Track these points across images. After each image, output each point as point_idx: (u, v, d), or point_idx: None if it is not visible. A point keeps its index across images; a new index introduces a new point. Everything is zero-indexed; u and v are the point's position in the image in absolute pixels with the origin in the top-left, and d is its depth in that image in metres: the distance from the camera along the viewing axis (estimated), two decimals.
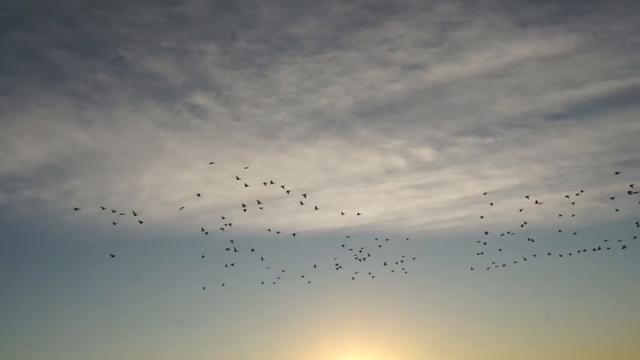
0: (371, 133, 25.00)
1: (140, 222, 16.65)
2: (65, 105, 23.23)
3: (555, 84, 23.32)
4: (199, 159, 25.82)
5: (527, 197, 15.31)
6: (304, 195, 15.28)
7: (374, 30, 23.22)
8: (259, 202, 15.62)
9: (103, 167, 25.30)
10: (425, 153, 24.41)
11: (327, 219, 19.53)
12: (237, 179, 17.55)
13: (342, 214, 17.27)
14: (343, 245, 16.69)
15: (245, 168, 16.23)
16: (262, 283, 19.77)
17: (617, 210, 16.83)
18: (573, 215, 17.67)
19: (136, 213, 15.99)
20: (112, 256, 17.76)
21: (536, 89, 23.71)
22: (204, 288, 21.39)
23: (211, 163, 17.58)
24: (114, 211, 15.56)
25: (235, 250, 17.35)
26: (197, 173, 25.76)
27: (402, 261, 17.56)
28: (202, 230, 16.06)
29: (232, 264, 17.82)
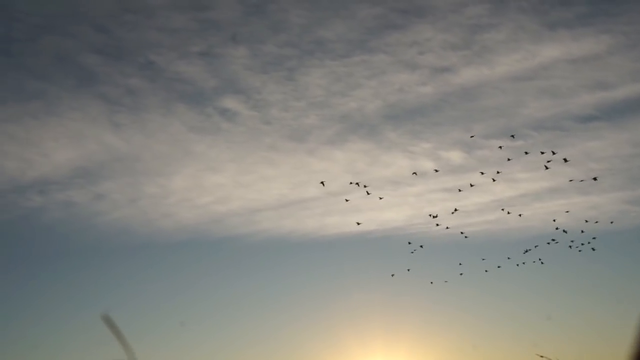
0: (400, 136, 24.89)
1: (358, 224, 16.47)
2: (97, 109, 23.70)
3: (585, 85, 22.87)
4: (229, 162, 26.04)
5: None
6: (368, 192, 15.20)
7: (403, 33, 23.09)
8: (365, 186, 15.37)
9: (134, 170, 25.69)
10: (455, 156, 24.18)
11: (356, 222, 19.42)
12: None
13: (358, 223, 17.18)
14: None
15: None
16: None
17: None
18: (612, 222, 17.21)
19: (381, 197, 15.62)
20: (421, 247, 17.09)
21: (566, 91, 23.29)
22: (432, 282, 21.16)
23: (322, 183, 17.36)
24: (358, 184, 15.42)
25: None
26: (226, 176, 25.96)
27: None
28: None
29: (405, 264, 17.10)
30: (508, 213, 16.54)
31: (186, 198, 25.25)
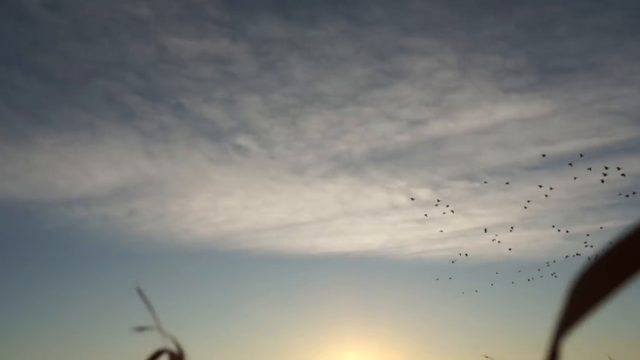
0: (380, 174, 26.34)
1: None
2: (135, 140, 25.50)
3: (532, 141, 24.32)
4: (239, 189, 27.62)
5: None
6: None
7: (386, 90, 24.90)
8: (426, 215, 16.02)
9: (162, 191, 27.30)
10: (424, 193, 25.72)
11: (342, 244, 20.92)
12: None
13: None
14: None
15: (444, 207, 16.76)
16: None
17: (589, 245, 17.46)
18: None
19: None
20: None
21: (516, 144, 24.70)
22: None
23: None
24: (439, 201, 16.09)
25: None
26: (236, 201, 27.56)
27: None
28: None
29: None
30: (493, 240, 17.29)
31: (202, 217, 26.84)
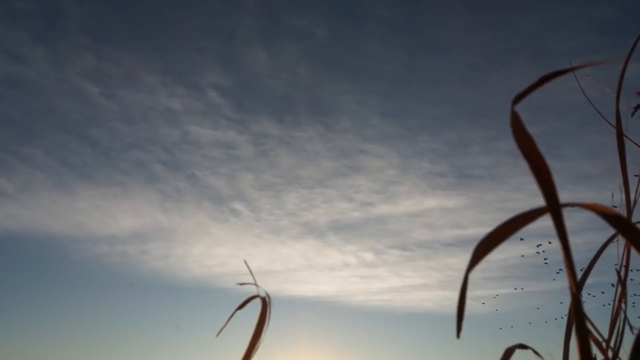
0: (337, 240, 29.04)
1: None
2: (155, 198, 27.96)
3: (450, 225, 27.08)
4: (230, 242, 30.06)
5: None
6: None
7: (346, 179, 27.89)
8: None
9: (170, 238, 29.57)
10: (369, 257, 28.41)
11: (304, 290, 23.24)
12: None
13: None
14: None
15: None
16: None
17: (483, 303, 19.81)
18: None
19: None
20: None
21: (438, 226, 27.46)
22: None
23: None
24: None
25: None
26: (227, 250, 29.90)
27: None
28: None
29: None
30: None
31: (199, 260, 29.12)
